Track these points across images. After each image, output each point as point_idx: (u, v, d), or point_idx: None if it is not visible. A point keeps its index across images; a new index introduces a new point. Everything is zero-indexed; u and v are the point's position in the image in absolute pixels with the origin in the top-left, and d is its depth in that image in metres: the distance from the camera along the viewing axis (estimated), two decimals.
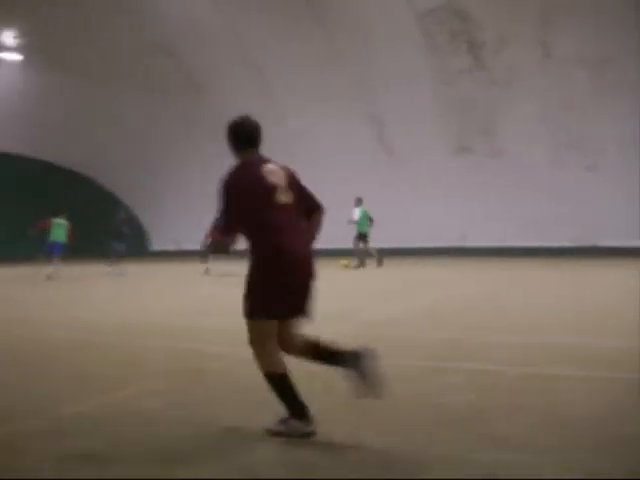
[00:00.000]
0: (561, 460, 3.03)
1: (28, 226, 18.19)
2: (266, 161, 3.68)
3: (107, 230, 20.89)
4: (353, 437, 3.44)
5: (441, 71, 22.89)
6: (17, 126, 28.95)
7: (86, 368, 5.43)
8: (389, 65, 23.14)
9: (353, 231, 19.39)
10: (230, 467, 3.08)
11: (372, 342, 6.07)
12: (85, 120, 29.53)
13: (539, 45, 20.80)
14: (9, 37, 24.18)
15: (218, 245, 3.77)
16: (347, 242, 19.75)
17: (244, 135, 3.76)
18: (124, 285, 15.57)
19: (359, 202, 19.45)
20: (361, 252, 19.27)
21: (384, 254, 19.69)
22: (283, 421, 3.48)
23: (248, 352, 3.61)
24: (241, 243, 3.62)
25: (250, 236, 3.58)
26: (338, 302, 10.09)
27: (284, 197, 3.57)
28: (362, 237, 19.29)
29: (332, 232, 19.59)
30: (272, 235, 3.50)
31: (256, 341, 3.54)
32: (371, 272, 17.44)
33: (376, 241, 21.48)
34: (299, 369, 3.67)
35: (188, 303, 10.77)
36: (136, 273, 19.74)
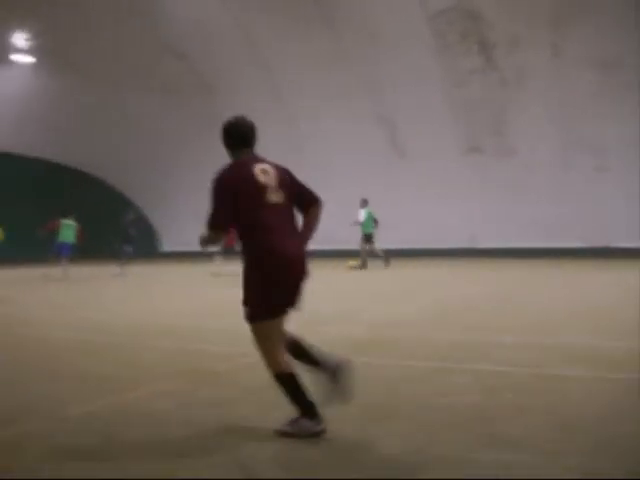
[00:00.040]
0: (561, 460, 3.04)
1: (38, 227, 18.26)
2: (258, 161, 3.72)
3: (116, 231, 20.95)
4: (356, 437, 3.46)
5: (452, 72, 22.84)
6: (29, 127, 29.08)
7: (96, 369, 5.44)
8: (400, 66, 23.12)
9: (359, 232, 19.38)
10: (232, 467, 3.10)
11: (376, 343, 6.34)
12: (96, 121, 29.63)
13: (550, 46, 20.73)
14: (21, 39, 24.26)
15: (205, 239, 3.73)
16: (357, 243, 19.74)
17: (238, 135, 3.81)
18: (133, 286, 15.64)
19: (364, 203, 19.46)
20: (366, 253, 19.24)
21: (396, 255, 19.69)
22: (293, 421, 3.49)
23: (258, 353, 3.64)
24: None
25: (241, 236, 3.63)
26: (344, 303, 10.18)
27: (275, 197, 3.60)
28: (367, 238, 19.28)
29: (344, 233, 19.82)
30: (262, 235, 3.54)
31: (262, 343, 3.57)
32: (379, 273, 17.44)
33: (387, 242, 21.49)
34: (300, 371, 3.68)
35: (198, 304, 10.81)
36: (146, 274, 19.90)
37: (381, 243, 20.24)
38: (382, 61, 23.51)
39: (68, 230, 17.83)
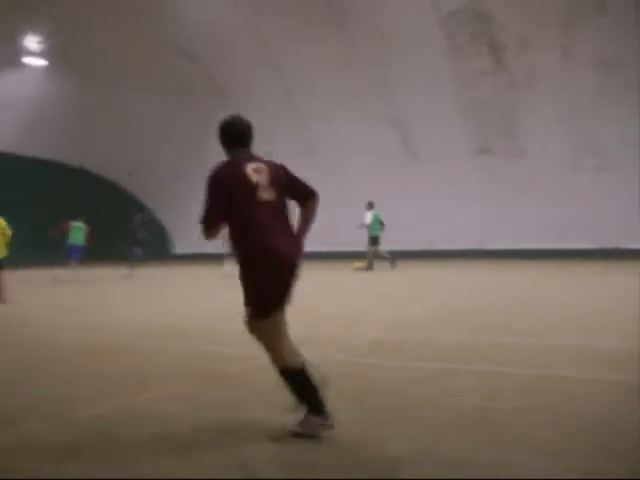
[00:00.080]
0: (561, 460, 3.05)
1: (50, 229, 18.41)
2: (252, 159, 3.74)
3: (125, 234, 21.08)
4: (361, 438, 3.47)
5: (462, 73, 22.83)
6: (40, 130, 29.27)
7: (105, 371, 5.47)
8: (411, 68, 23.13)
9: (365, 235, 19.43)
10: (239, 468, 3.13)
11: (383, 344, 6.38)
12: (107, 123, 29.80)
13: (560, 47, 20.68)
14: (33, 42, 24.46)
15: (204, 234, 3.77)
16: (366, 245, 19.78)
17: (234, 134, 3.83)
18: (143, 288, 15.70)
19: (370, 206, 19.49)
20: (372, 255, 19.25)
21: (407, 256, 19.63)
22: (303, 421, 3.51)
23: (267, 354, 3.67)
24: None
25: (234, 235, 3.67)
26: (351, 305, 10.16)
27: (267, 195, 3.63)
28: (373, 241, 19.31)
29: (355, 235, 19.82)
30: (254, 233, 3.58)
31: (265, 340, 3.64)
32: (386, 275, 17.42)
33: (398, 243, 21.50)
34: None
35: (209, 306, 10.82)
36: (157, 276, 19.98)
37: (392, 245, 20.26)
38: (394, 63, 23.52)
39: (78, 232, 17.93)
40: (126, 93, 27.93)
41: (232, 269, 17.01)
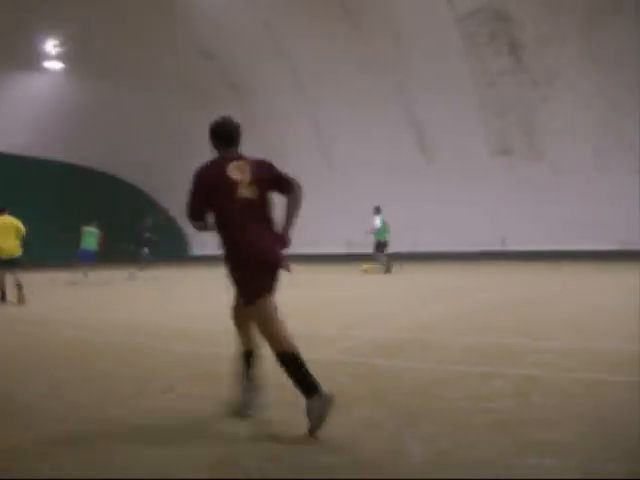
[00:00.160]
0: (561, 460, 3.04)
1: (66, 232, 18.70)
2: (236, 158, 3.93)
3: (132, 235, 21.21)
4: (382, 439, 3.44)
5: (482, 73, 22.64)
6: (58, 133, 29.54)
7: (109, 372, 5.46)
8: (429, 68, 23.03)
9: (372, 239, 19.42)
10: (246, 467, 3.11)
11: (407, 346, 6.32)
12: (124, 124, 30.02)
13: (581, 46, 20.40)
14: (50, 45, 24.63)
15: (195, 227, 4.08)
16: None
17: (223, 135, 4.04)
18: (151, 289, 15.82)
19: (377, 210, 19.38)
20: (385, 258, 19.16)
21: (427, 258, 19.41)
22: (309, 413, 3.51)
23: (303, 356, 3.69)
24: None
25: (218, 231, 3.89)
26: (371, 307, 10.11)
27: (247, 192, 3.79)
28: (382, 245, 19.22)
29: (368, 237, 19.69)
30: (232, 231, 3.80)
31: (264, 323, 3.76)
32: (405, 277, 17.31)
33: (418, 245, 21.46)
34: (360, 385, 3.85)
35: (211, 308, 10.72)
36: (165, 277, 20.16)
37: (410, 246, 20.16)
38: (410, 63, 23.44)
39: (90, 238, 18.16)
40: (140, 93, 28.07)
41: None
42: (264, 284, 3.78)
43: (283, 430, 3.68)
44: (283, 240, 3.93)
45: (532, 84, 22.03)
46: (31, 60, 25.26)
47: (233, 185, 3.77)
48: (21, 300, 11.93)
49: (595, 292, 11.67)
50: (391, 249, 20.99)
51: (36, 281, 14.75)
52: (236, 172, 3.82)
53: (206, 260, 30.90)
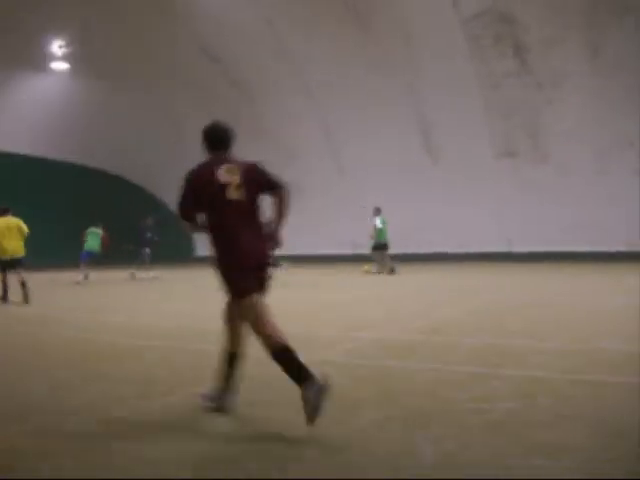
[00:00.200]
0: (561, 460, 3.04)
1: (69, 232, 18.82)
2: (226, 161, 4.04)
3: (132, 235, 21.29)
4: (388, 440, 3.42)
5: (487, 75, 22.59)
6: (64, 133, 29.57)
7: (111, 373, 5.43)
8: (438, 69, 22.96)
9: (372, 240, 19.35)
10: (266, 469, 3.09)
11: (413, 347, 6.28)
12: (130, 125, 30.04)
13: (586, 48, 20.34)
14: (55, 46, 24.66)
15: (186, 228, 4.20)
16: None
17: (214, 138, 4.20)
18: (156, 290, 15.84)
19: (378, 211, 19.32)
20: (387, 259, 19.13)
21: (432, 259, 19.45)
22: (306, 401, 3.54)
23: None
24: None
25: (209, 232, 4.00)
26: (376, 309, 10.07)
27: (235, 194, 3.91)
28: (383, 247, 19.17)
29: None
30: (220, 231, 3.94)
31: (253, 320, 3.85)
32: (411, 278, 17.29)
33: (424, 246, 21.40)
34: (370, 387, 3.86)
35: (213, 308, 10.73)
36: (174, 278, 20.29)
37: (417, 247, 20.08)
38: (418, 66, 23.40)
39: (93, 239, 18.38)
40: (147, 94, 28.11)
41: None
42: (251, 283, 3.88)
43: (285, 430, 3.67)
44: (273, 240, 4.07)
45: (537, 86, 21.96)
46: (37, 61, 25.29)
47: (223, 187, 3.89)
48: (26, 299, 11.98)
49: (601, 293, 11.60)
50: (397, 250, 20.96)
51: (38, 281, 14.80)
52: (226, 174, 3.93)
53: (211, 261, 31.01)
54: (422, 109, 24.52)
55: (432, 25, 22.07)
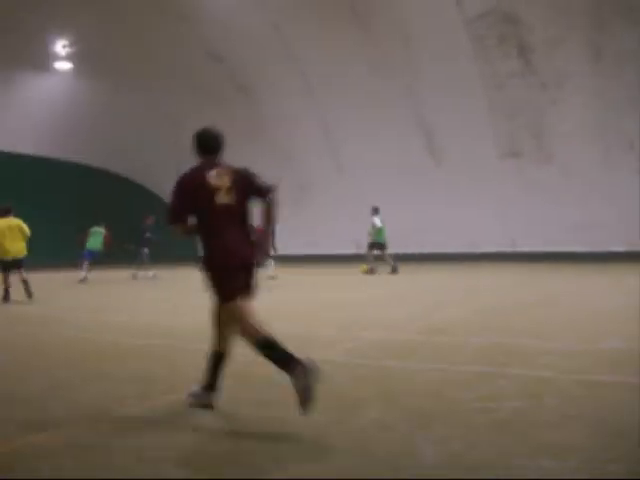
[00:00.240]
0: (561, 460, 3.02)
1: (77, 234, 18.98)
2: (216, 165, 4.16)
3: (133, 235, 21.32)
4: (393, 441, 3.41)
5: (491, 76, 22.54)
6: (69, 133, 29.60)
7: (113, 373, 5.42)
8: (438, 70, 22.93)
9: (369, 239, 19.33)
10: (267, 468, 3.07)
11: (418, 347, 6.27)
12: (134, 125, 30.06)
13: (591, 48, 20.27)
14: (59, 46, 24.67)
15: (177, 232, 4.22)
16: (391, 247, 19.65)
17: (204, 144, 4.30)
18: (156, 290, 15.88)
19: (376, 211, 19.27)
20: (388, 258, 19.05)
21: (436, 259, 20.17)
22: (298, 390, 3.57)
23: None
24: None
25: (199, 235, 4.12)
26: (386, 309, 10.06)
27: (225, 198, 4.02)
28: (381, 246, 19.14)
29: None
30: (209, 235, 4.05)
31: (236, 321, 3.96)
32: (417, 279, 17.26)
33: (427, 246, 21.34)
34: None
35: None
36: (175, 277, 20.39)
37: (420, 247, 19.99)
38: (421, 67, 23.35)
39: (95, 238, 18.50)
40: (150, 94, 28.14)
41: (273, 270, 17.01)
42: (237, 287, 3.98)
43: (285, 430, 3.66)
44: (261, 248, 4.23)
45: (541, 86, 21.89)
46: (41, 61, 25.29)
47: (212, 191, 4.00)
48: (28, 294, 12.09)
49: (606, 293, 11.57)
50: (401, 250, 20.92)
51: (39, 280, 14.86)
52: (216, 179, 4.04)
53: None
54: (421, 111, 24.47)
55: (432, 27, 22.03)
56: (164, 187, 33.58)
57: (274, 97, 26.86)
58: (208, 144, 4.30)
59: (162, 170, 32.03)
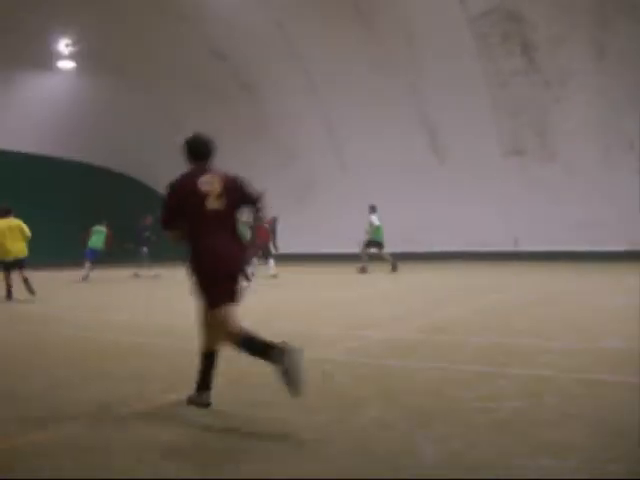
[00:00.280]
0: (561, 460, 3.01)
1: (80, 233, 19.07)
2: (206, 172, 4.21)
3: (132, 234, 21.42)
4: (393, 440, 3.40)
5: (494, 74, 22.49)
6: (71, 132, 29.59)
7: (114, 372, 5.41)
8: (441, 68, 22.88)
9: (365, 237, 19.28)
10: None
11: (418, 346, 6.25)
12: (138, 124, 30.06)
13: (594, 46, 20.21)
14: (62, 45, 24.66)
15: (169, 237, 4.31)
16: (393, 245, 19.63)
17: (194, 150, 4.35)
18: (156, 289, 15.89)
19: (373, 209, 19.21)
20: (387, 257, 18.99)
21: (439, 258, 20.46)
22: (282, 376, 3.63)
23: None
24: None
25: (188, 239, 4.15)
26: (388, 308, 10.04)
27: (216, 204, 4.08)
28: (378, 245, 19.08)
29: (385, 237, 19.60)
30: (198, 240, 4.09)
31: (220, 326, 4.07)
32: (420, 277, 17.27)
33: (430, 245, 21.30)
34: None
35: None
36: (175, 277, 20.04)
37: (423, 247, 19.93)
38: (424, 65, 23.30)
39: (98, 237, 18.54)
40: (153, 93, 28.14)
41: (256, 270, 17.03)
42: (223, 295, 4.06)
43: (285, 430, 3.65)
44: (243, 254, 4.31)
45: (545, 84, 21.83)
46: (44, 60, 25.24)
47: (203, 197, 4.06)
48: (30, 291, 12.12)
49: (607, 292, 11.55)
50: (404, 249, 20.85)
51: (40, 279, 14.88)
52: (206, 184, 4.10)
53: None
54: (425, 109, 24.42)
55: (435, 24, 21.98)
56: (164, 185, 33.63)
57: (277, 95, 26.83)
58: (199, 150, 4.35)
59: (164, 169, 32.03)
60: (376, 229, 19.01)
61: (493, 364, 5.23)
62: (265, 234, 16.39)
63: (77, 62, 25.56)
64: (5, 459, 3.30)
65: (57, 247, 26.14)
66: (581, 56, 20.62)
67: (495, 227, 23.36)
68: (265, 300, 11.42)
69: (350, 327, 7.62)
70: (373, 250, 19.23)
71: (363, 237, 19.65)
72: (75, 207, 29.41)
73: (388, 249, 19.57)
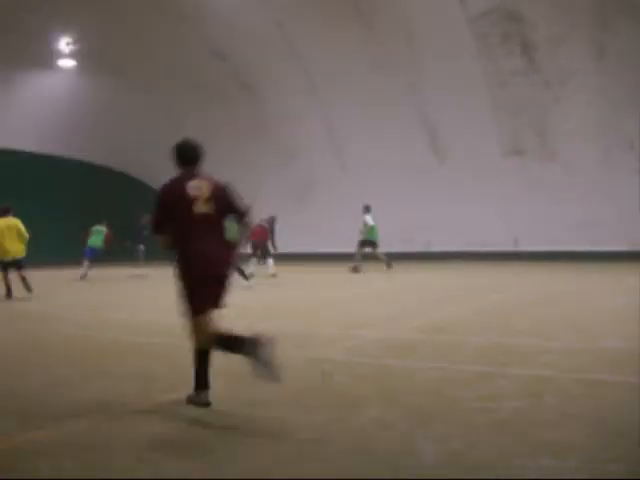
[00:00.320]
0: (561, 460, 3.01)
1: (81, 232, 19.08)
2: (195, 176, 4.27)
3: (132, 233, 21.39)
4: (393, 440, 3.39)
5: (494, 74, 22.47)
6: (72, 131, 29.57)
7: (113, 370, 5.40)
8: (441, 69, 22.86)
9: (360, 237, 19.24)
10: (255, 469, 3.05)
11: (418, 346, 6.24)
12: (139, 123, 30.03)
13: (594, 46, 20.20)
14: (63, 43, 24.64)
15: (160, 242, 4.36)
16: (393, 245, 19.59)
17: (183, 155, 4.41)
18: (156, 288, 15.69)
19: (368, 209, 19.19)
20: (381, 256, 18.98)
21: (440, 257, 20.57)
22: (256, 365, 3.73)
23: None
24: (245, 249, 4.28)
25: (175, 243, 4.20)
26: (388, 307, 10.01)
27: (204, 207, 4.14)
28: (370, 244, 19.05)
29: (385, 237, 19.61)
30: (185, 244, 4.14)
31: (204, 331, 4.08)
32: (420, 277, 17.25)
33: (430, 245, 21.24)
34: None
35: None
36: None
37: (425, 246, 19.89)
38: (423, 64, 23.28)
39: (97, 236, 18.58)
40: (154, 92, 28.12)
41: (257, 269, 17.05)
42: (207, 301, 4.11)
43: (284, 429, 3.65)
44: (229, 258, 4.32)
45: (545, 84, 21.81)
46: (44, 58, 25.22)
47: (191, 201, 4.12)
48: (28, 289, 12.21)
49: (607, 292, 11.54)
50: (403, 249, 20.82)
51: (39, 278, 14.90)
52: (195, 189, 4.16)
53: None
54: (425, 109, 24.41)
55: (435, 24, 21.96)
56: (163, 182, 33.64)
57: (277, 95, 26.81)
58: (187, 155, 4.40)
59: (164, 168, 31.99)
60: (370, 229, 19.01)
61: (493, 364, 5.23)
62: (264, 233, 16.43)
63: (77, 61, 25.54)
64: (5, 458, 3.30)
65: (57, 246, 26.12)
66: (581, 56, 20.61)
67: (495, 227, 23.33)
68: (264, 299, 11.43)
69: (349, 326, 7.61)
70: (367, 250, 19.23)
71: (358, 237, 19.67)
72: (75, 206, 29.39)
73: (388, 249, 19.56)
